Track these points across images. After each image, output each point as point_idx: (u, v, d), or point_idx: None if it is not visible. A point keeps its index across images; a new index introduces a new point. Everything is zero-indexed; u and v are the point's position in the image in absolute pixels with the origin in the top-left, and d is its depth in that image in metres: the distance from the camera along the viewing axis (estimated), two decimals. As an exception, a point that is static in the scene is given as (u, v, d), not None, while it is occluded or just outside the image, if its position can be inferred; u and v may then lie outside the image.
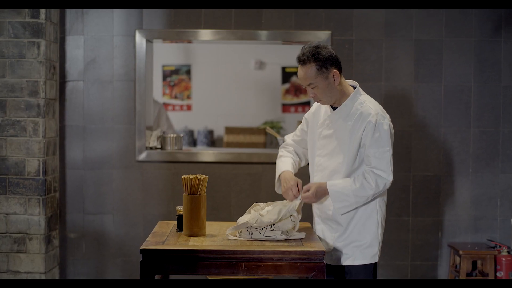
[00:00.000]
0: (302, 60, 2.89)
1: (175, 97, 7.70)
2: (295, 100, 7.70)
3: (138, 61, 4.45)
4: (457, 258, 4.34)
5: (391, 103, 4.44)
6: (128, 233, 4.51)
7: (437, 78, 4.47)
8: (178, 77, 7.68)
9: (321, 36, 4.42)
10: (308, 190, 2.96)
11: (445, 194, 4.51)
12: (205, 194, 2.93)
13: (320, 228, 3.13)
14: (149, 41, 4.50)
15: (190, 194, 2.87)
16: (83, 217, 4.53)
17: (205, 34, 4.45)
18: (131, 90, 4.49)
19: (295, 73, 7.62)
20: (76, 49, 4.48)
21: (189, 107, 7.71)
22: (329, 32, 4.43)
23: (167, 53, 7.57)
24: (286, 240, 2.82)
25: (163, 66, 7.65)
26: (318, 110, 3.13)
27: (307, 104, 7.62)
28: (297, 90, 7.67)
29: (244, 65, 7.57)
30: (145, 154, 4.48)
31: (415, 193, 4.50)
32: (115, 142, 4.50)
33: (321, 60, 2.87)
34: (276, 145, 7.38)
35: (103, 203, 4.52)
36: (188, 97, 7.69)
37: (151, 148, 4.58)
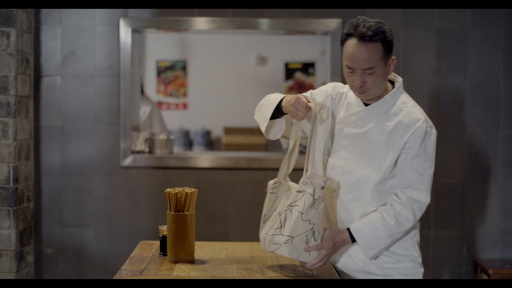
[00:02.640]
0: (367, 36, 2.21)
1: (170, 95, 7.19)
2: (299, 98, 7.18)
3: (122, 53, 3.93)
4: (484, 277, 3.83)
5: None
6: (111, 248, 4.00)
7: (462, 72, 3.94)
8: (173, 73, 7.16)
9: (330, 25, 3.90)
10: (322, 248, 2.26)
11: (470, 204, 3.99)
12: (194, 211, 2.41)
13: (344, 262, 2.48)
14: (135, 31, 3.98)
15: (175, 211, 2.35)
16: (61, 230, 4.01)
17: (199, 23, 3.93)
18: (115, 86, 3.97)
19: (299, 69, 7.12)
20: (53, 40, 3.96)
21: (185, 106, 7.20)
22: (339, 20, 3.91)
23: (162, 48, 7.07)
24: (292, 269, 2.30)
25: (157, 61, 7.14)
26: (339, 99, 2.46)
27: (312, 102, 7.10)
28: (301, 87, 7.15)
29: (244, 61, 7.05)
30: (131, 159, 3.96)
31: (437, 203, 3.98)
32: (97, 145, 3.98)
33: (388, 42, 2.26)
34: (278, 147, 6.89)
35: (83, 214, 4.01)
36: (184, 95, 7.18)
37: (138, 152, 4.06)
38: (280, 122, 2.43)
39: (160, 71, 7.17)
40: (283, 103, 2.35)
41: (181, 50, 7.14)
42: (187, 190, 2.37)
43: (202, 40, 7.04)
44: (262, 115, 2.45)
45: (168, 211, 2.38)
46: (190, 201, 2.37)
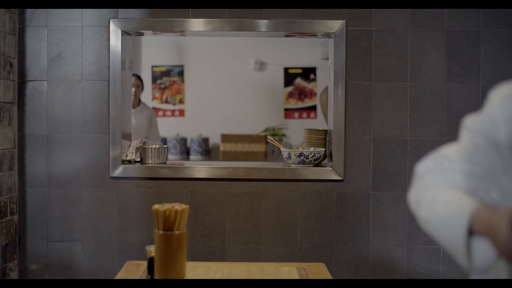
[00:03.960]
0: None
1: (166, 101, 6.93)
2: (299, 105, 6.94)
3: (112, 56, 3.68)
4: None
5: (419, 107, 3.68)
6: (101, 264, 3.74)
7: (474, 77, 3.69)
8: (169, 79, 6.91)
9: (333, 26, 3.65)
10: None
11: (483, 217, 3.73)
12: (185, 230, 2.15)
13: None
14: (126, 33, 3.73)
15: (163, 230, 2.10)
16: (47, 244, 3.75)
17: (195, 24, 3.68)
18: (104, 92, 3.72)
19: (299, 75, 6.87)
20: (38, 43, 3.71)
21: (181, 113, 6.95)
22: (343, 21, 3.66)
23: (157, 53, 6.82)
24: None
25: (153, 67, 6.88)
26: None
27: (313, 109, 6.87)
28: (301, 93, 6.90)
29: (243, 66, 6.82)
30: (121, 169, 3.70)
31: (447, 215, 3.72)
32: (85, 154, 3.73)
33: None
34: (278, 156, 6.64)
35: (70, 228, 3.75)
36: (181, 101, 6.92)
37: (128, 161, 3.81)
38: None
39: (156, 77, 6.92)
40: (476, 228, 1.39)
41: (177, 55, 6.89)
42: (177, 206, 2.12)
43: (199, 45, 6.80)
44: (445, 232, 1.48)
45: (155, 229, 2.12)
46: (181, 219, 2.12)
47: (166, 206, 2.11)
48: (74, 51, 3.71)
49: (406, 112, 3.69)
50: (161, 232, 2.08)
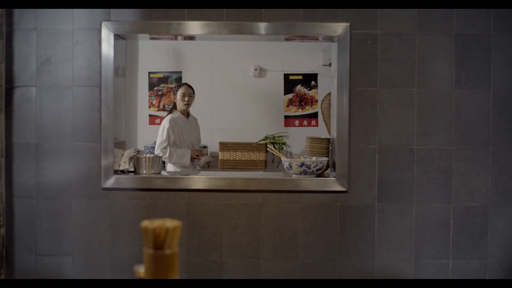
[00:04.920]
0: None
1: (163, 109, 6.75)
2: (300, 112, 6.75)
3: (104, 61, 3.50)
4: (512, 313, 3.37)
5: (427, 114, 3.50)
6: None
7: (485, 82, 3.52)
8: (166, 86, 6.72)
9: (337, 30, 3.47)
10: None
11: (494, 231, 3.55)
12: (177, 249, 1.96)
13: None
14: (118, 36, 3.56)
15: (153, 249, 1.91)
16: (36, 259, 3.57)
17: (191, 27, 3.50)
18: (95, 98, 3.54)
19: (300, 81, 6.70)
20: (27, 47, 3.53)
21: (179, 120, 6.75)
22: (347, 24, 3.48)
23: (154, 59, 6.64)
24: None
25: (150, 73, 6.70)
26: None
27: (314, 117, 6.69)
28: (302, 100, 6.72)
29: (242, 72, 6.64)
30: (114, 180, 3.52)
31: (457, 229, 3.54)
32: (76, 164, 3.55)
33: None
34: (278, 164, 6.46)
35: (60, 241, 3.57)
36: (178, 109, 6.73)
37: (122, 171, 3.62)
38: None
39: (153, 84, 6.74)
40: None
41: (175, 61, 6.71)
42: (169, 223, 1.93)
43: (197, 51, 6.62)
44: None
45: (144, 248, 1.94)
46: (172, 237, 1.93)
47: (156, 223, 1.93)
48: (64, 56, 3.53)
49: (413, 120, 3.51)
50: (150, 251, 1.90)
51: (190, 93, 5.43)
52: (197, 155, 5.44)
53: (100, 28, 3.51)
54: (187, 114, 5.51)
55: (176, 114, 5.49)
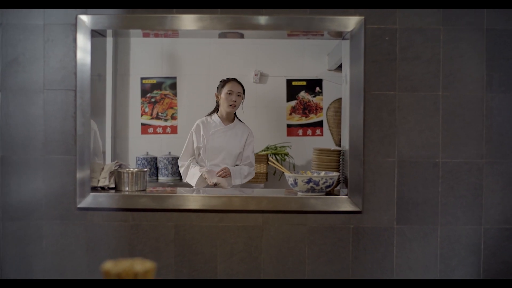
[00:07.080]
0: None
1: (157, 117, 6.28)
2: (303, 121, 6.29)
3: (80, 61, 3.03)
4: None
5: (454, 122, 3.03)
6: (65, 314, 3.06)
7: (520, 85, 3.05)
8: (160, 92, 6.26)
9: (349, 24, 3.00)
10: None
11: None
12: (148, 301, 1.48)
13: None
14: (97, 33, 3.08)
15: (117, 301, 1.43)
16: (0, 290, 3.09)
17: (181, 22, 3.03)
18: (70, 104, 3.06)
19: (303, 87, 6.24)
20: (-10, 44, 3.07)
21: (174, 129, 6.29)
22: (361, 18, 3.01)
23: (147, 64, 6.18)
24: None
25: (142, 79, 6.24)
26: None
27: (318, 126, 6.23)
28: (306, 108, 6.25)
29: (241, 78, 6.16)
30: (91, 198, 3.04)
31: (488, 254, 3.06)
32: (47, 180, 3.07)
33: None
34: (281, 177, 6.00)
35: (29, 269, 3.09)
36: (173, 117, 6.27)
37: (102, 188, 3.14)
38: None
39: (146, 91, 6.27)
40: None
41: (169, 66, 6.25)
42: (138, 266, 1.45)
43: (193, 55, 6.17)
44: None
45: (106, 300, 1.46)
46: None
47: (122, 266, 1.45)
48: (34, 55, 3.06)
49: (438, 129, 3.03)
50: (113, 304, 1.42)
51: (239, 91, 4.64)
52: (220, 175, 4.45)
53: (75, 23, 3.04)
54: (231, 119, 4.67)
55: (212, 117, 4.71)
